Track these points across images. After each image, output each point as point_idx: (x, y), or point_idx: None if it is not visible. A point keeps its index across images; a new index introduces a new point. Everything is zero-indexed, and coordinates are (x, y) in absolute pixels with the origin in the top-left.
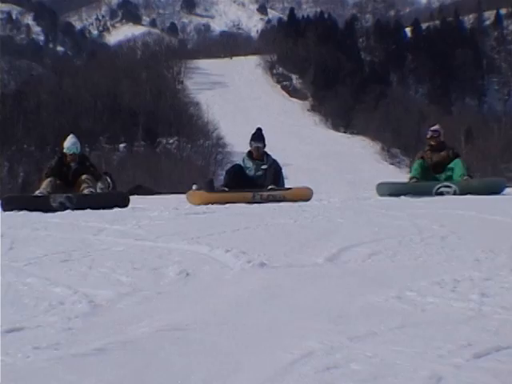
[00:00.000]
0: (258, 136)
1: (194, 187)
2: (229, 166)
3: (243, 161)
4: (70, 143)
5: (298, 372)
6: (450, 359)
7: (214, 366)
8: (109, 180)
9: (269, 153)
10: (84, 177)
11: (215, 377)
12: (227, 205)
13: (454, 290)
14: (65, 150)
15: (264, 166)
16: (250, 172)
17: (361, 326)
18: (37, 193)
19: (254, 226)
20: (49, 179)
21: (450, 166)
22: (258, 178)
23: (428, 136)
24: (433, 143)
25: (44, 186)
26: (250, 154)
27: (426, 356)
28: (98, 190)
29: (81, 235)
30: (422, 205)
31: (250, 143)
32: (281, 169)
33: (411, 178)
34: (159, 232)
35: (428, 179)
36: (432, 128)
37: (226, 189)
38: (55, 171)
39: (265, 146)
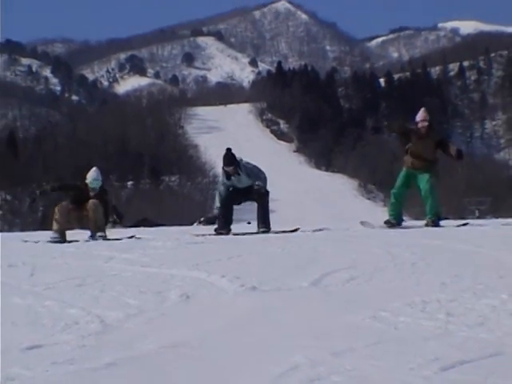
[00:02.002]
0: (228, 160)
1: (196, 224)
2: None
3: (223, 183)
4: (92, 178)
5: (286, 383)
6: (419, 372)
7: (213, 379)
8: (114, 216)
9: (240, 161)
10: (91, 202)
11: None
12: (222, 236)
13: (423, 310)
14: (87, 182)
15: (243, 176)
16: (236, 184)
17: (341, 343)
18: (52, 233)
19: (246, 254)
20: (63, 205)
21: (423, 179)
22: (244, 185)
23: (419, 126)
24: (423, 131)
25: (58, 217)
26: (226, 173)
27: (398, 369)
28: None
29: (93, 263)
30: (395, 235)
31: (223, 167)
32: (253, 167)
33: (388, 222)
34: (163, 260)
35: (409, 186)
36: (420, 118)
37: (223, 231)
38: (73, 197)
39: (237, 164)
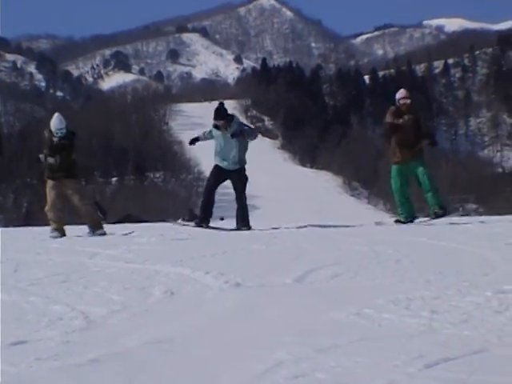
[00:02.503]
0: (219, 114)
1: (180, 221)
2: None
3: (210, 132)
4: (55, 128)
5: (270, 380)
6: (404, 369)
7: (197, 375)
8: (98, 213)
9: (235, 120)
10: (75, 197)
11: (195, 383)
12: (207, 231)
13: (408, 307)
14: (52, 131)
15: (228, 134)
16: (220, 141)
17: (325, 339)
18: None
19: (230, 251)
20: (52, 204)
21: (418, 169)
22: (227, 146)
23: (401, 103)
24: (404, 109)
25: (51, 217)
26: (215, 125)
27: (382, 366)
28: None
29: (77, 259)
30: (380, 232)
31: (214, 119)
32: (239, 125)
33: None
34: (147, 256)
35: (407, 181)
36: (401, 95)
37: (203, 225)
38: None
39: (229, 119)
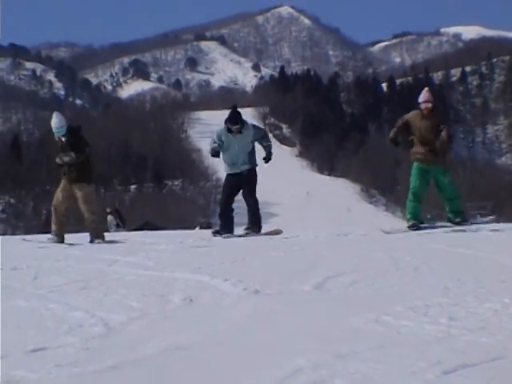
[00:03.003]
0: (233, 119)
1: (197, 229)
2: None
3: (220, 137)
4: (55, 126)
5: None
6: (422, 375)
7: (215, 382)
8: (118, 220)
9: (248, 126)
10: (82, 202)
11: None
12: (226, 239)
13: (426, 314)
14: (53, 131)
15: (242, 140)
16: (232, 146)
17: (343, 346)
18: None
19: (249, 258)
20: (56, 206)
21: (440, 176)
22: (238, 149)
23: (422, 107)
24: (425, 113)
25: (54, 218)
26: (228, 128)
27: (401, 373)
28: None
29: (97, 266)
30: (397, 239)
31: (226, 123)
32: (258, 130)
33: (410, 225)
34: (166, 263)
35: (428, 183)
36: (423, 99)
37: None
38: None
39: (242, 125)
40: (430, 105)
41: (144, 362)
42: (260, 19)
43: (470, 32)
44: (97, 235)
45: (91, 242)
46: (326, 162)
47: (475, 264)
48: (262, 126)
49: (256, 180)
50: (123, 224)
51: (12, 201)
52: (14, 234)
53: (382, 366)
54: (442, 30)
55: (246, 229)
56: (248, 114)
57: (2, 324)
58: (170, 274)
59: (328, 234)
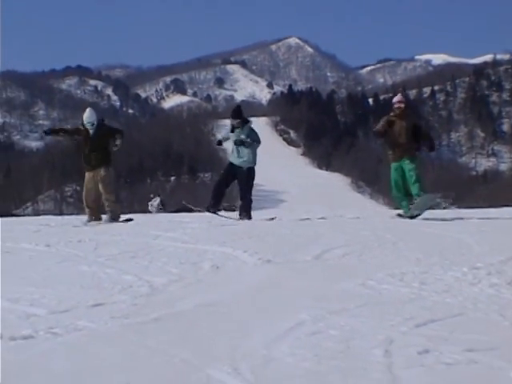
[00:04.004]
0: (235, 113)
1: (222, 211)
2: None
3: (227, 134)
4: (86, 120)
5: (293, 336)
6: (398, 328)
7: (236, 331)
8: (160, 203)
9: (248, 121)
10: (101, 184)
11: (236, 338)
12: (246, 220)
13: (402, 279)
14: (84, 123)
15: (241, 136)
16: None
17: (336, 304)
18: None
19: (263, 235)
20: (87, 193)
21: (407, 165)
22: (237, 149)
23: (395, 106)
24: (398, 112)
25: (86, 204)
26: (232, 127)
27: (382, 325)
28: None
29: (144, 240)
30: (380, 221)
31: (231, 119)
32: (250, 131)
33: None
34: (198, 238)
35: (401, 176)
36: (396, 99)
37: (211, 210)
38: (79, 143)
39: (243, 120)
40: (402, 105)
41: (180, 315)
42: (273, 47)
43: (438, 59)
44: (112, 215)
45: (110, 221)
46: (324, 160)
47: (441, 241)
48: (257, 136)
49: (253, 179)
50: (164, 207)
51: (78, 188)
52: (79, 214)
53: (367, 320)
54: (416, 57)
55: (240, 217)
56: (263, 122)
57: (69, 284)
58: (202, 246)
59: (325, 217)
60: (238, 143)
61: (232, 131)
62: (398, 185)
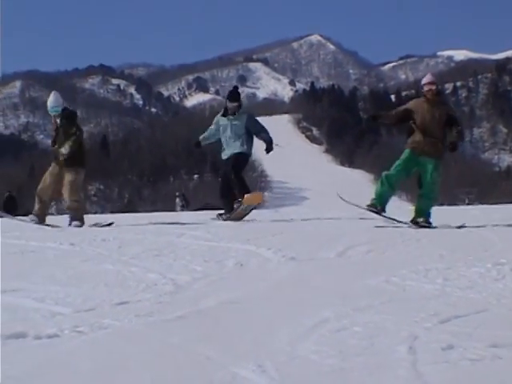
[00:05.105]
0: (233, 95)
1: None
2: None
3: (217, 122)
4: (50, 105)
5: (317, 333)
6: (422, 324)
7: (260, 329)
8: (183, 202)
9: (243, 110)
10: (65, 182)
11: (261, 335)
12: (269, 216)
13: (425, 276)
14: (48, 110)
15: (235, 122)
16: (227, 132)
17: (360, 301)
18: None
19: (287, 232)
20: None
21: (427, 170)
22: (233, 135)
23: (425, 89)
24: (429, 97)
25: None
26: (225, 110)
27: (405, 322)
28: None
29: (168, 238)
30: (403, 217)
31: (226, 101)
32: (253, 119)
33: (370, 205)
34: (222, 236)
35: (409, 173)
36: (426, 80)
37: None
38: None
39: (239, 103)
40: (433, 87)
41: (205, 313)
42: (295, 45)
43: (459, 55)
44: (77, 216)
45: (69, 224)
46: (347, 157)
47: (464, 237)
48: (296, 130)
49: (244, 163)
50: (187, 205)
51: (101, 187)
52: (102, 213)
53: (391, 317)
54: (438, 53)
55: (236, 202)
56: (285, 120)
57: (93, 283)
58: (225, 244)
59: (348, 214)
60: (270, 147)
61: (224, 115)
62: (397, 177)
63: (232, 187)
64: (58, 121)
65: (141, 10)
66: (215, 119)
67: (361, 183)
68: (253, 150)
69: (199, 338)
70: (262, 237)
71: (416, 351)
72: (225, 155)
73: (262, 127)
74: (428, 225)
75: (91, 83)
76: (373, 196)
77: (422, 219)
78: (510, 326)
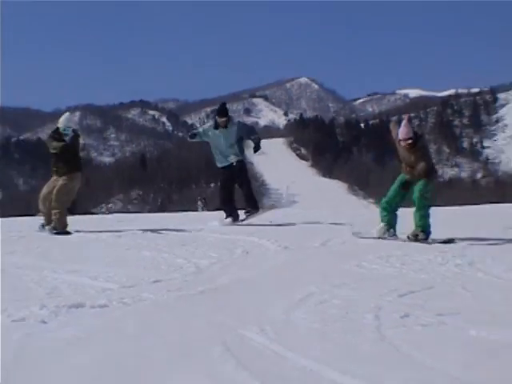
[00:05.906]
0: (221, 112)
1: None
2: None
3: (207, 133)
4: (63, 125)
5: (305, 304)
6: (385, 297)
7: (261, 300)
8: (203, 204)
9: (233, 122)
10: (58, 185)
11: (262, 305)
12: (267, 216)
13: (387, 261)
14: (59, 129)
15: (227, 133)
16: (219, 141)
17: (338, 280)
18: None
19: (281, 227)
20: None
21: (417, 186)
22: (226, 143)
23: (403, 145)
24: (407, 148)
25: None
26: (216, 124)
27: (372, 296)
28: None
29: (190, 232)
30: (371, 217)
31: (216, 117)
32: (243, 126)
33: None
34: (232, 230)
35: (404, 195)
36: (401, 136)
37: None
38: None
39: (228, 118)
40: (410, 141)
41: (220, 288)
42: (288, 85)
43: (413, 93)
44: (57, 226)
45: (43, 226)
46: (327, 171)
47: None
48: (289, 149)
49: (246, 170)
50: (206, 206)
51: (140, 193)
52: (141, 212)
53: (361, 292)
54: (397, 91)
55: (246, 212)
56: (280, 142)
57: (135, 265)
58: (235, 236)
59: (328, 212)
60: (257, 147)
61: (216, 128)
62: (393, 204)
63: (232, 192)
64: (67, 138)
65: (172, 58)
66: (205, 127)
67: (338, 191)
68: (254, 165)
69: (215, 307)
70: (264, 231)
71: (380, 318)
72: (220, 163)
73: (252, 128)
74: (423, 236)
75: (133, 114)
76: (385, 224)
77: (419, 230)
78: (451, 299)
